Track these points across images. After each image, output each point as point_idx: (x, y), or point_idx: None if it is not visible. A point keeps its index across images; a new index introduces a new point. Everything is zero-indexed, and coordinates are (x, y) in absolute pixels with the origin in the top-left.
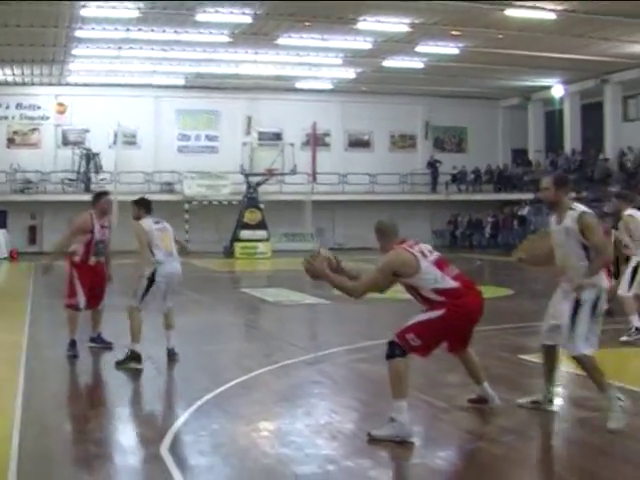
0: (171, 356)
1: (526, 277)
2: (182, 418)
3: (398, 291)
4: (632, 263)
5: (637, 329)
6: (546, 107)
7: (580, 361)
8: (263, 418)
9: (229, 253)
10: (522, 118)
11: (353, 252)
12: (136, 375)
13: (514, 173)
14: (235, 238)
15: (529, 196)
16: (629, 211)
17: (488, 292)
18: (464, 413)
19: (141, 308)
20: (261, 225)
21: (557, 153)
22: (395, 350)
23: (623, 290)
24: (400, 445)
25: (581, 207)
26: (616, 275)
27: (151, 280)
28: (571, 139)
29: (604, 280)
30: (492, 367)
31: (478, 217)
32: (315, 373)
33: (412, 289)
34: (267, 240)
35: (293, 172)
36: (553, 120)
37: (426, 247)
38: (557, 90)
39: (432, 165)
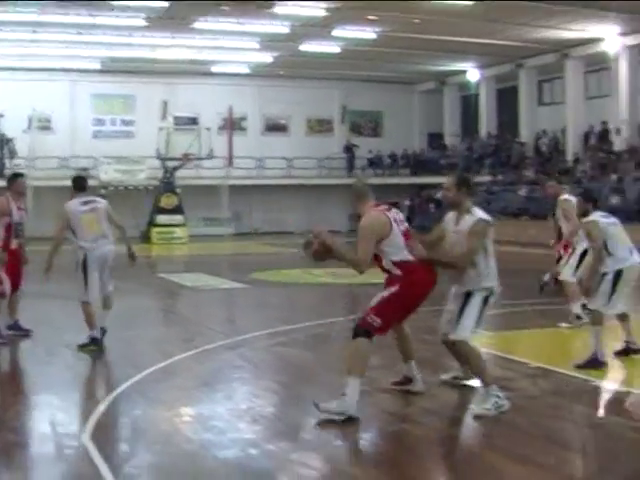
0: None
1: None
2: (103, 405)
3: (318, 275)
4: (579, 249)
5: (578, 316)
6: (462, 91)
7: (461, 346)
8: (185, 403)
9: (146, 238)
10: (438, 102)
11: (270, 236)
12: (55, 362)
13: (430, 157)
14: (151, 223)
15: (445, 180)
16: (565, 196)
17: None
18: (386, 395)
19: (90, 301)
20: (177, 210)
21: (473, 137)
22: (359, 331)
23: (567, 275)
24: (323, 427)
25: (479, 214)
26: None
27: (84, 266)
28: (487, 123)
29: (495, 281)
30: (416, 350)
31: (395, 201)
32: (235, 357)
33: (376, 259)
34: (184, 225)
35: (210, 157)
36: (469, 104)
37: (398, 215)
38: (473, 74)
39: (349, 149)
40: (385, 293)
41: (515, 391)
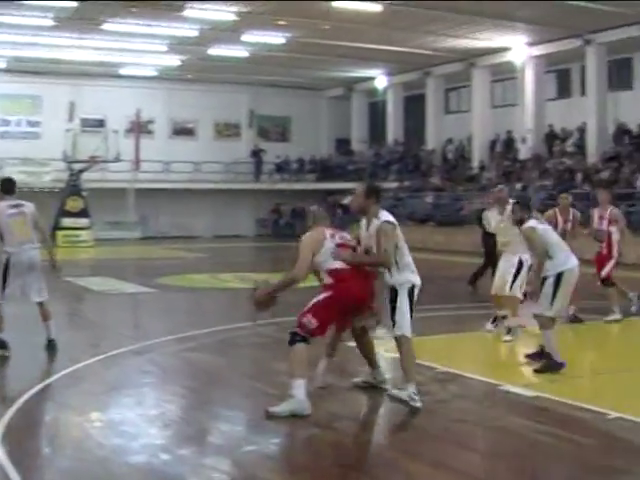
0: (51, 345)
1: None
2: (11, 411)
3: (225, 280)
4: (514, 261)
5: (510, 330)
6: (370, 98)
7: (399, 342)
8: (95, 409)
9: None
10: (346, 108)
11: (177, 240)
12: None
13: (337, 163)
14: (57, 226)
15: (352, 186)
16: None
17: (313, 281)
18: None
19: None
20: (83, 213)
21: (380, 143)
22: (295, 337)
23: (499, 289)
24: (235, 432)
25: (385, 216)
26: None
27: (5, 270)
28: (394, 130)
29: (415, 276)
30: (322, 355)
31: (302, 206)
32: (144, 362)
33: (316, 273)
34: (89, 228)
35: (117, 160)
36: (376, 111)
37: (342, 235)
38: (380, 81)
39: (256, 154)
40: (320, 297)
41: (425, 395)
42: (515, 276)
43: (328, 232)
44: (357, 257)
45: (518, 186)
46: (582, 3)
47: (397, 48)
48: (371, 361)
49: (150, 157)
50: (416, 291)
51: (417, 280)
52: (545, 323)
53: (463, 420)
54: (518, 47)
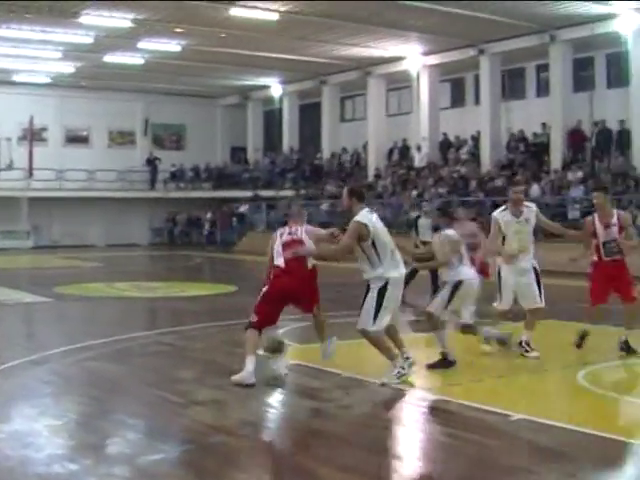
0: None
1: (246, 274)
2: None
3: (122, 289)
4: (531, 271)
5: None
6: (265, 106)
7: (364, 334)
8: None
9: None
10: (242, 116)
11: (70, 249)
12: None
13: (233, 171)
14: None
15: (247, 194)
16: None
17: (211, 289)
18: (202, 408)
19: None
20: None
21: (276, 152)
22: (246, 326)
23: (531, 304)
24: (140, 440)
25: (359, 216)
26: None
27: None
28: (289, 138)
29: (392, 272)
30: (224, 363)
31: (197, 215)
32: (44, 372)
33: None
34: None
35: (9, 167)
36: (272, 119)
37: (293, 231)
38: (276, 90)
39: (151, 162)
40: (260, 293)
41: (330, 402)
42: (539, 286)
43: (280, 231)
44: (318, 250)
45: (414, 194)
46: (476, 14)
47: (293, 56)
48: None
49: (43, 165)
50: (390, 288)
51: (394, 274)
52: (435, 323)
53: (370, 425)
54: (413, 56)
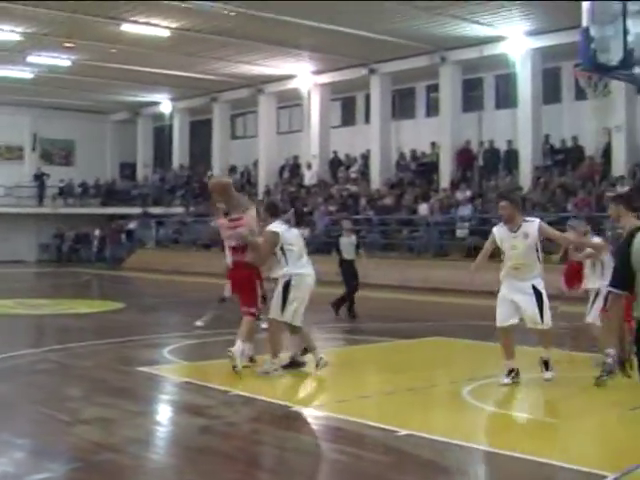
0: None
1: (135, 291)
2: None
3: (4, 306)
4: (530, 291)
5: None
6: (156, 122)
7: (269, 323)
8: None
9: None
10: (132, 132)
11: None
12: None
13: (122, 187)
14: None
15: (137, 210)
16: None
17: (99, 306)
18: (89, 426)
19: None
20: None
21: (165, 168)
22: None
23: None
24: (26, 459)
25: (271, 226)
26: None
27: None
28: (179, 155)
29: (296, 270)
30: (112, 380)
31: (86, 231)
32: None
33: None
34: None
35: None
36: (162, 135)
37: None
38: (166, 106)
39: (39, 178)
40: None
41: (217, 418)
42: (540, 306)
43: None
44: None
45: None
46: (367, 33)
47: (184, 73)
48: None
49: None
50: (293, 282)
51: (299, 271)
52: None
53: (256, 441)
54: (304, 75)
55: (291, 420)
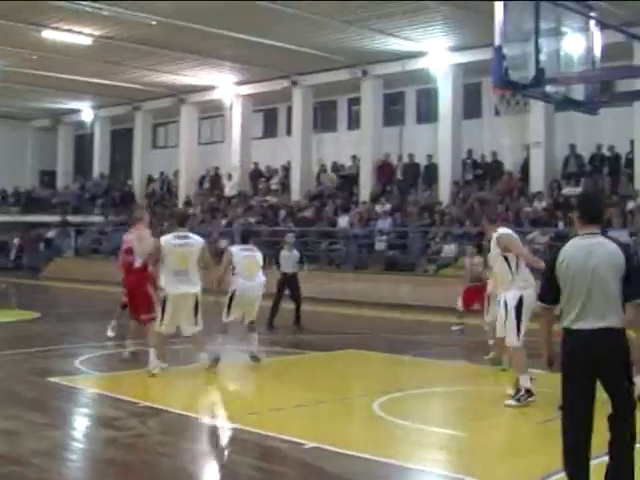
0: None
1: (51, 300)
2: None
3: None
4: (501, 302)
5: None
6: (77, 130)
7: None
8: None
9: None
10: (52, 140)
11: None
12: None
13: (41, 195)
14: None
15: (56, 219)
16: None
17: (14, 316)
18: None
19: None
20: None
21: (86, 177)
22: None
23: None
24: None
25: (162, 237)
26: None
27: None
28: (100, 163)
29: (170, 288)
30: (22, 391)
31: (4, 239)
32: None
33: None
34: None
35: None
36: (83, 144)
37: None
38: (87, 114)
39: None
40: None
41: (125, 430)
42: (506, 319)
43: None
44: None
45: (223, 222)
46: (290, 46)
47: (106, 81)
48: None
49: None
50: (169, 299)
51: (171, 291)
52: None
53: (163, 453)
54: (226, 85)
55: (199, 432)
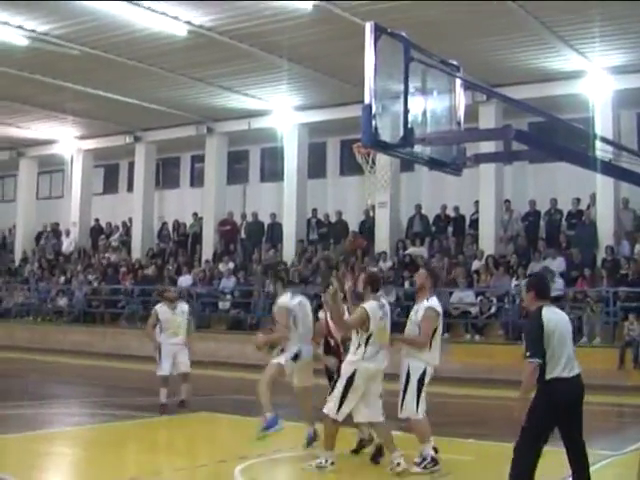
0: None
1: None
2: None
3: None
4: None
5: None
6: None
7: None
8: None
9: None
10: None
11: None
12: None
13: None
14: None
15: None
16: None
17: None
18: None
19: None
20: None
21: None
22: None
23: None
24: None
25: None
26: None
27: None
28: None
29: None
30: None
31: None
32: None
33: None
34: None
35: None
36: None
37: None
38: None
39: None
40: None
41: None
42: (405, 393)
43: None
44: None
45: (62, 279)
46: (132, 100)
47: None
48: None
49: None
50: None
51: None
52: None
53: None
54: (67, 139)
55: None
